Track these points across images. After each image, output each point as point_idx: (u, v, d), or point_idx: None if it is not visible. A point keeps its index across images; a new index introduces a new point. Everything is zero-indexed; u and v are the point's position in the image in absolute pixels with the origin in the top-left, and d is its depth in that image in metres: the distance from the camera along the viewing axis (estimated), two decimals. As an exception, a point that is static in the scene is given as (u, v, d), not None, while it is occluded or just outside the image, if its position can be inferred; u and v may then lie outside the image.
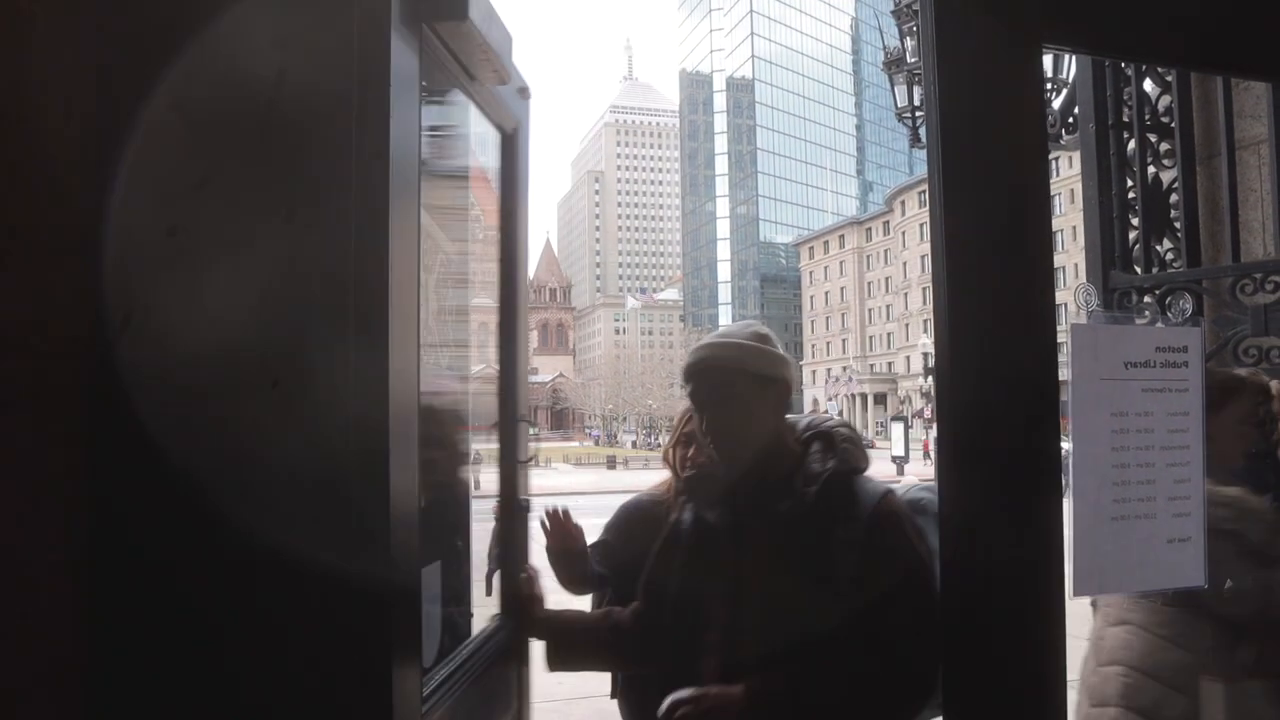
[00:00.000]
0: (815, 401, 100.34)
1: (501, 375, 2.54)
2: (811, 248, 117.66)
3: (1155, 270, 2.88)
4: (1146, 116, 2.95)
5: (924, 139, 1.86)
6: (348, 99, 1.43)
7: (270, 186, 1.43)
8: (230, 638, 1.38)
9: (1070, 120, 3.33)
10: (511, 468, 2.49)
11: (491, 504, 2.50)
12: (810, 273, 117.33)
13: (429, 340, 1.98)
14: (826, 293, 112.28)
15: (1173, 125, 2.91)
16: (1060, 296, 2.57)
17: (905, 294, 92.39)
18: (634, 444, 76.48)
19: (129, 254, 1.41)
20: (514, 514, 2.47)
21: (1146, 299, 2.82)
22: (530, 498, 2.54)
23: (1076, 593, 2.02)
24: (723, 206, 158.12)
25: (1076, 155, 3.24)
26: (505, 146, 2.49)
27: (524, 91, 2.43)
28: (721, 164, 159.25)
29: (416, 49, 1.60)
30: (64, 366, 1.37)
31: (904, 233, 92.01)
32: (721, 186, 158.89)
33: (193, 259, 1.42)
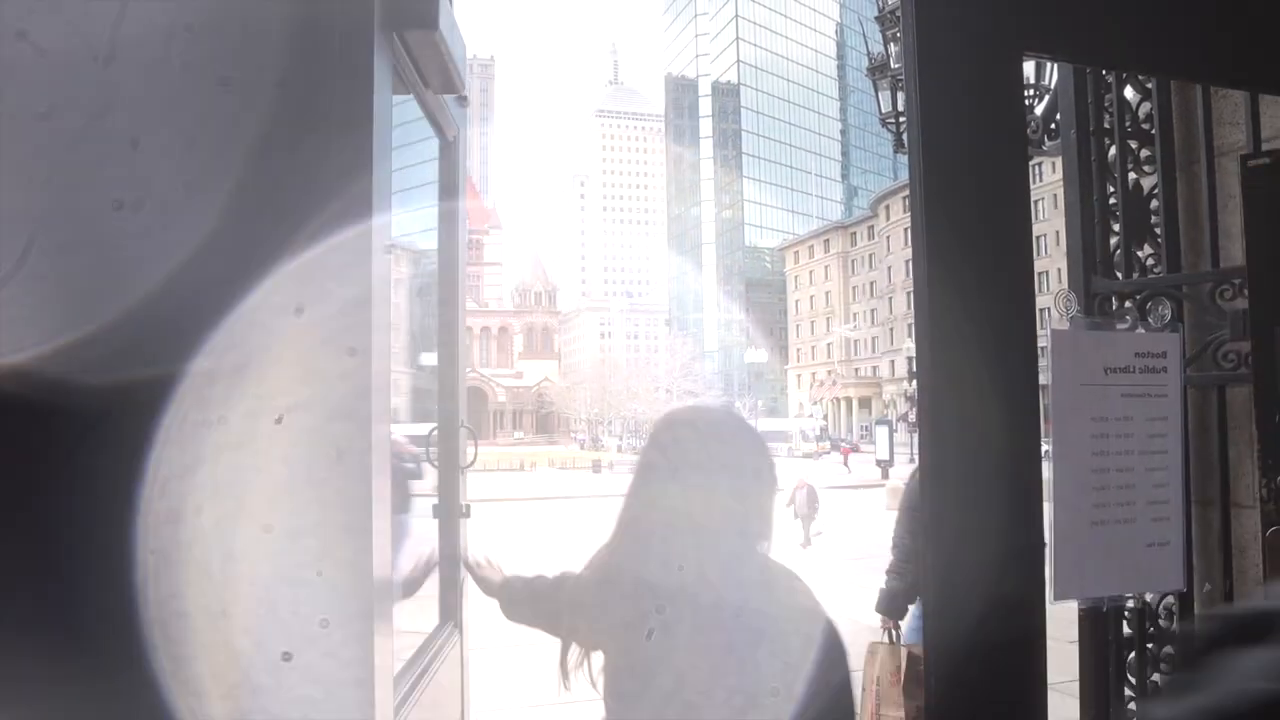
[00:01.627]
0: (800, 405, 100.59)
1: (441, 381, 2.55)
2: (796, 252, 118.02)
3: (1136, 276, 2.90)
4: (1127, 123, 2.97)
5: (906, 144, 1.88)
6: (331, 99, 1.43)
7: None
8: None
9: (1052, 126, 3.35)
10: (453, 474, 2.49)
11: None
12: (795, 277, 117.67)
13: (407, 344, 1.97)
14: (811, 296, 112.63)
15: (1153, 132, 2.93)
16: (1044, 301, 2.59)
17: (890, 298, 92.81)
18: (619, 448, 76.56)
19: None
20: (454, 519, 2.48)
21: (1127, 304, 2.84)
22: (469, 503, 2.54)
23: (1057, 597, 2.03)
24: (707, 211, 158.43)
25: (1059, 160, 3.27)
26: (445, 153, 2.50)
27: (463, 100, 2.45)
28: (706, 168, 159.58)
29: (390, 55, 1.61)
30: None
31: (888, 237, 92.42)
32: (706, 191, 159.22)
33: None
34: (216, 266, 1.38)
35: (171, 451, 1.35)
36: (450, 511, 2.46)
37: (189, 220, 1.38)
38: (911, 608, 4.00)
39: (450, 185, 2.51)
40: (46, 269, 1.35)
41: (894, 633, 4.01)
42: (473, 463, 2.57)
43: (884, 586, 4.13)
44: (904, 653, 3.74)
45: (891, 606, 4.04)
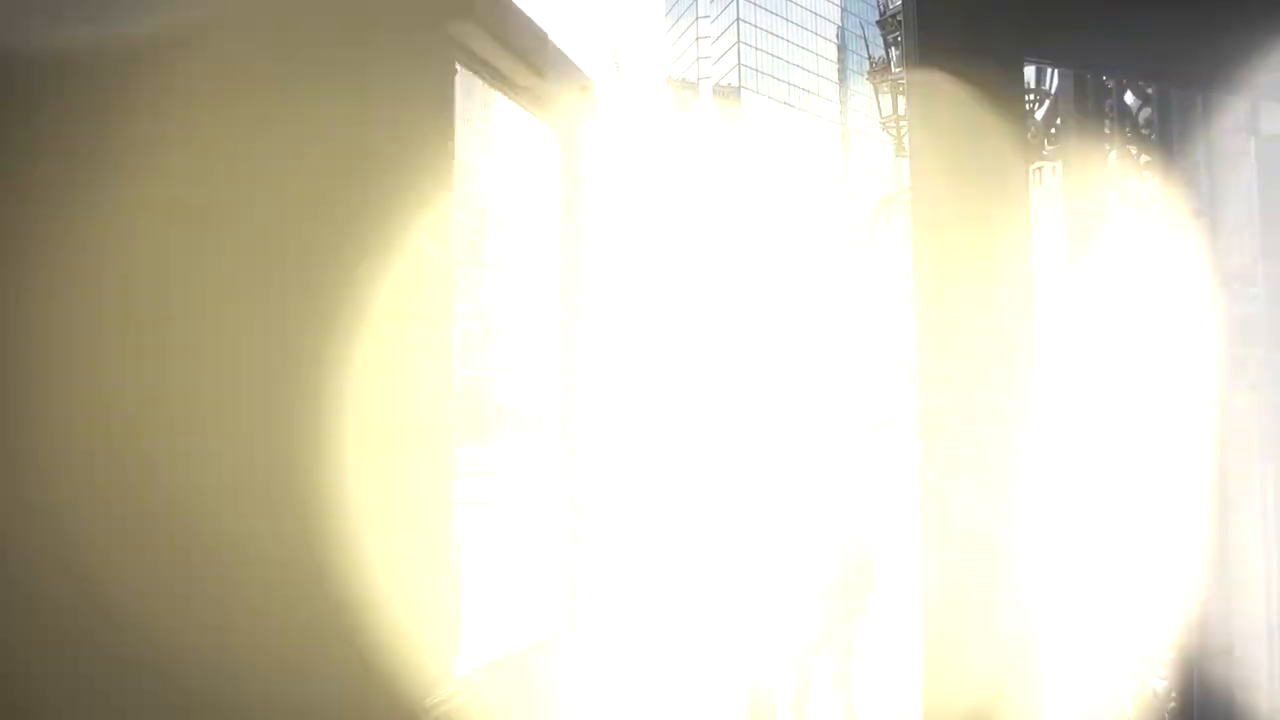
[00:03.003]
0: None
1: (563, 380, 2.50)
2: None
3: (1135, 281, 2.90)
4: (1127, 129, 2.97)
5: (908, 148, 1.89)
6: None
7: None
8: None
9: (1052, 131, 3.35)
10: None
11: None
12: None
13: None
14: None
15: (1153, 138, 2.93)
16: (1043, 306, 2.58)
17: (889, 302, 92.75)
18: (618, 449, 76.53)
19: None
20: (576, 520, 2.44)
21: (1127, 309, 2.83)
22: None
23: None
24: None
25: (1060, 165, 3.27)
26: (562, 144, 2.46)
27: (584, 88, 2.38)
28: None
29: (427, 50, 1.59)
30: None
31: (888, 241, 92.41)
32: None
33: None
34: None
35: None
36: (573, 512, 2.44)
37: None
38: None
39: (569, 177, 2.47)
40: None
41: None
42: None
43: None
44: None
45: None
